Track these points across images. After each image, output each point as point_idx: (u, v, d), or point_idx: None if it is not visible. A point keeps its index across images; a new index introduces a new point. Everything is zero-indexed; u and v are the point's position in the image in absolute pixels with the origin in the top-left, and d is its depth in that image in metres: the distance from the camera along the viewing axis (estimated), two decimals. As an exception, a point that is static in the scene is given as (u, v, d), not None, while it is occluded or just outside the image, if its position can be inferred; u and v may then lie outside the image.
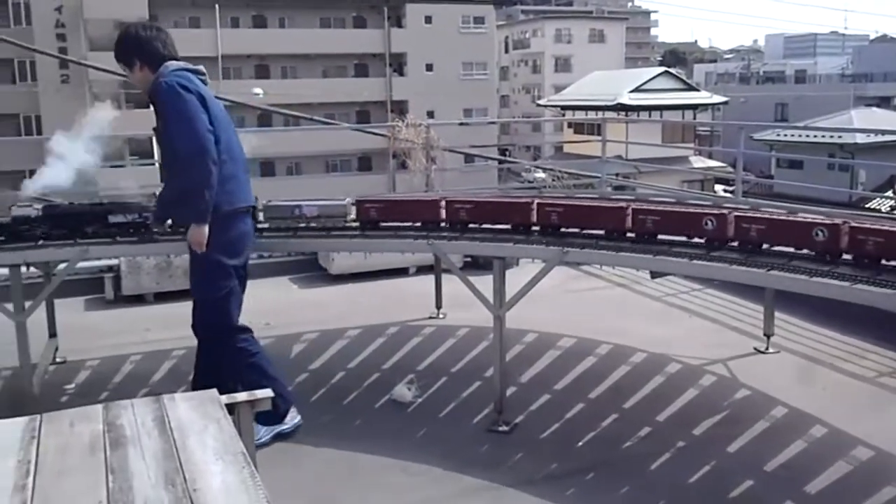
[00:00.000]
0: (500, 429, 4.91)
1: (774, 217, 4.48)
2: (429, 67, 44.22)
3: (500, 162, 31.98)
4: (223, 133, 4.32)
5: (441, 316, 6.99)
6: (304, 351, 6.35)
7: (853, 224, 4.09)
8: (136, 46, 4.43)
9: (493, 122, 43.85)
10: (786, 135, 31.08)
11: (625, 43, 65.31)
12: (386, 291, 7.89)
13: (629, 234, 4.71)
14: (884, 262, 3.95)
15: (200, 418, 2.42)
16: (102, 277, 7.63)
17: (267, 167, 38.30)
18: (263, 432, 4.56)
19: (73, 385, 5.72)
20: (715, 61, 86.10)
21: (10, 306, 4.89)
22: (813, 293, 4.07)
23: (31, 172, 5.04)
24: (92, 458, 2.19)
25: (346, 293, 7.90)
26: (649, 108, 38.11)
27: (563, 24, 62.74)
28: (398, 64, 44.53)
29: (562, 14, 64.60)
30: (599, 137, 9.12)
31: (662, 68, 47.46)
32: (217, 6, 40.38)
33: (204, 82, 4.46)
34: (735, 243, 4.40)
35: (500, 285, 4.82)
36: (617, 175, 12.60)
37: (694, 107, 40.86)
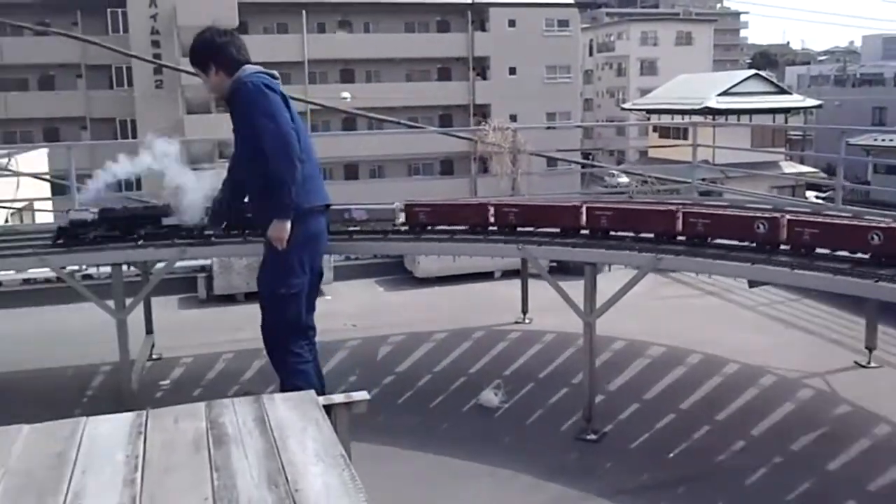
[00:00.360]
0: (589, 437, 4.83)
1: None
2: (512, 71, 44.16)
3: (586, 166, 31.64)
4: (301, 133, 4.40)
5: (527, 321, 6.94)
6: (390, 353, 6.38)
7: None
8: (212, 52, 4.48)
9: (579, 126, 43.41)
10: (884, 139, 29.84)
11: (713, 45, 63.96)
12: (471, 295, 7.88)
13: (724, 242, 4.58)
14: None
15: (299, 419, 2.43)
16: (196, 277, 7.84)
17: (351, 170, 38.93)
18: None
19: (168, 381, 5.88)
20: (808, 63, 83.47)
21: (111, 304, 5.06)
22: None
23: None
24: (196, 455, 2.23)
25: (432, 296, 7.92)
26: (738, 112, 37.19)
27: (649, 26, 61.81)
28: (481, 68, 44.60)
29: (648, 16, 63.63)
30: (686, 142, 8.91)
31: (752, 71, 46.29)
32: (304, 12, 41.18)
33: (278, 85, 4.51)
34: (844, 252, 4.22)
35: (591, 291, 4.74)
36: (704, 180, 12.29)
37: (785, 111, 39.69)
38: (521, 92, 41.84)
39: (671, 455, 4.65)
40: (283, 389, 4.36)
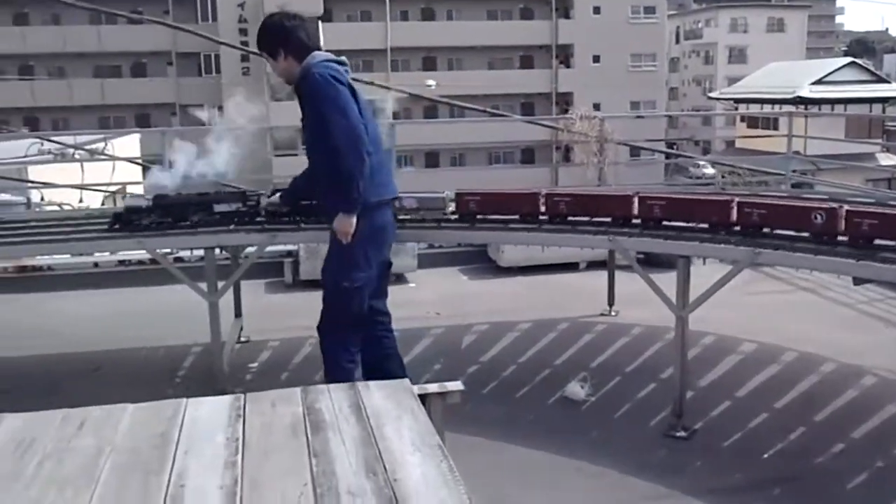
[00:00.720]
0: (679, 434, 4.71)
1: None
2: (596, 59, 43.57)
3: (674, 156, 30.98)
4: (369, 125, 4.32)
5: (613, 313, 6.81)
6: (474, 342, 6.35)
7: None
8: (282, 36, 4.38)
9: (666, 115, 42.55)
10: None
11: (806, 32, 61.72)
12: (556, 286, 7.78)
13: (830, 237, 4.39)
14: None
15: (395, 407, 2.42)
16: (282, 262, 7.96)
17: (431, 158, 39.04)
18: None
19: (256, 364, 5.98)
20: (907, 51, 79.79)
21: (203, 286, 5.17)
22: None
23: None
24: (294, 440, 2.24)
25: (516, 286, 7.86)
26: (832, 102, 35.82)
27: (738, 12, 60.02)
28: (564, 55, 44.13)
29: (738, 2, 61.74)
30: (776, 132, 8.60)
31: (848, 59, 44.42)
32: (387, 0, 41.47)
33: (346, 73, 4.41)
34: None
35: (685, 285, 4.61)
36: (795, 171, 11.87)
37: (883, 100, 38.02)
38: (605, 80, 41.24)
39: (765, 455, 4.50)
40: (327, 380, 4.36)
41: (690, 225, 4.86)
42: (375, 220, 4.37)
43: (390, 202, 4.55)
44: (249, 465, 2.10)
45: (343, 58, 4.43)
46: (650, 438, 4.74)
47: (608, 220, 5.08)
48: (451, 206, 5.38)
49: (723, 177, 18.24)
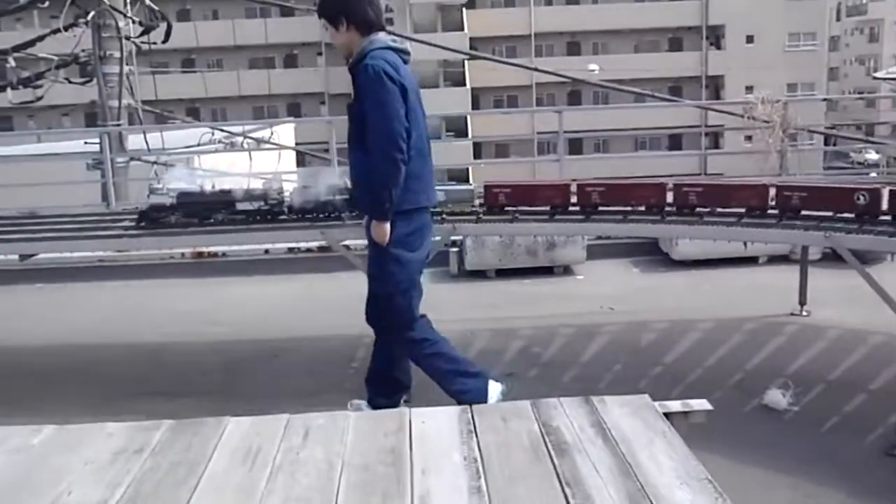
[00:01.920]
0: (902, 454, 4.23)
1: None
2: (749, 39, 41.46)
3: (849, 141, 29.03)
4: (415, 128, 4.03)
5: (804, 313, 6.29)
6: (653, 341, 6.01)
7: None
8: (345, 5, 4.10)
9: (860, 98, 39.89)
10: None
11: (985, 4, 56.54)
12: (734, 282, 7.30)
13: None
14: None
15: (643, 429, 2.18)
16: (447, 251, 7.84)
17: (574, 145, 38.34)
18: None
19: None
20: None
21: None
22: None
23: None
24: (538, 464, 2.04)
25: (690, 281, 7.43)
26: None
27: (908, -15, 55.67)
28: (715, 37, 42.27)
29: (907, -25, 57.21)
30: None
31: None
32: (533, -15, 40.97)
33: (405, 61, 4.11)
34: None
35: (914, 288, 4.13)
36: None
37: None
38: (759, 61, 39.16)
39: None
40: (429, 374, 4.32)
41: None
42: (409, 225, 4.15)
43: (428, 208, 4.32)
44: (496, 492, 1.91)
45: (405, 45, 4.19)
46: (868, 457, 4.28)
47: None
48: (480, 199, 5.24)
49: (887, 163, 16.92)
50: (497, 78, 36.53)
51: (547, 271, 7.70)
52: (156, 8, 8.78)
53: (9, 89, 9.07)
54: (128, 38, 8.66)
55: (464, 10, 40.40)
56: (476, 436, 2.19)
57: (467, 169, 31.04)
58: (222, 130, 10.94)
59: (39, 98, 9.11)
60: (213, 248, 8.00)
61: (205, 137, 10.76)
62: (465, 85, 39.85)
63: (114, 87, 8.63)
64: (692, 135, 35.58)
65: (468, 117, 37.82)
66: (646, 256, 8.04)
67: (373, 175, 4.00)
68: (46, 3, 8.50)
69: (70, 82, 9.18)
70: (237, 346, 6.17)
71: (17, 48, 8.96)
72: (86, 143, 9.55)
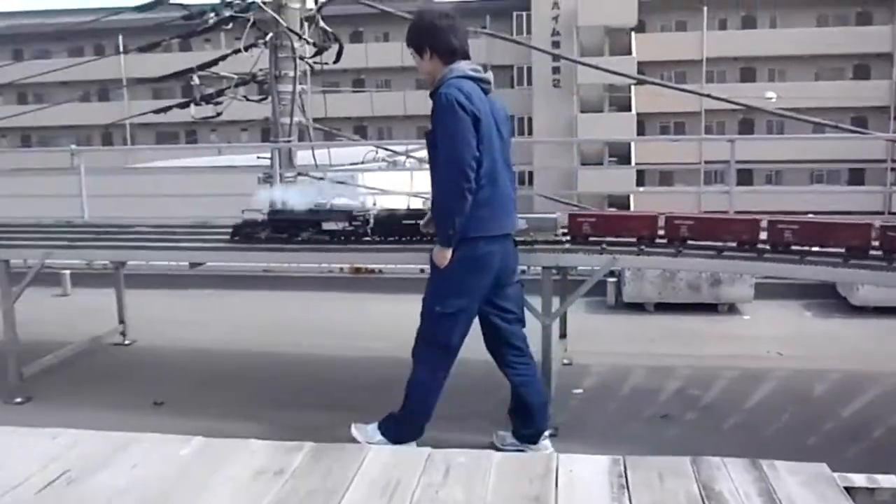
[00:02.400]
0: None
1: None
2: (946, 69, 38.41)
3: None
4: (488, 157, 4.06)
5: None
6: (826, 392, 5.52)
7: None
8: (430, 34, 4.19)
9: None
10: None
11: None
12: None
13: None
14: None
15: (817, 502, 1.93)
16: (605, 282, 7.61)
17: (744, 176, 36.75)
18: (378, 439, 4.39)
19: (580, 390, 5.66)
20: None
21: (538, 306, 4.92)
22: None
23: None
24: (697, 532, 1.84)
25: (872, 329, 6.81)
26: None
27: None
28: (908, 64, 39.44)
29: None
30: None
31: None
32: (705, 8, 39.69)
33: (486, 91, 4.18)
34: None
35: None
36: None
37: None
38: (957, 92, 36.21)
39: None
40: (407, 395, 4.46)
41: None
42: (476, 252, 4.17)
43: (498, 237, 4.26)
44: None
45: (486, 74, 4.23)
46: None
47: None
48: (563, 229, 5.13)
49: None
50: (664, 104, 35.62)
51: (710, 308, 7.31)
52: (329, 30, 9.09)
53: (192, 105, 9.66)
54: (302, 59, 9.01)
55: (632, 33, 39.75)
56: (628, 490, 2.02)
57: (628, 196, 30.47)
58: (385, 149, 11.18)
59: (219, 114, 9.64)
60: (369, 265, 8.13)
61: (369, 155, 11.03)
62: (630, 110, 39.15)
63: (286, 105, 8.99)
64: (876, 170, 33.33)
65: (632, 143, 37.10)
66: (820, 299, 7.48)
67: (438, 200, 4.15)
68: (230, 25, 8.99)
69: (247, 99, 9.66)
70: (388, 364, 6.18)
71: (201, 67, 9.53)
72: (258, 157, 10.02)
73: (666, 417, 5.05)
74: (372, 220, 5.21)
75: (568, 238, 5.11)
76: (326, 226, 5.30)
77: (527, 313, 4.90)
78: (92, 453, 2.21)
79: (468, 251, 4.16)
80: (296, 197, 5.33)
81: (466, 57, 4.22)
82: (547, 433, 4.62)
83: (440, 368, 4.43)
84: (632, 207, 28.69)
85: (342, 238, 5.28)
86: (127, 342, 6.75)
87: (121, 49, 27.34)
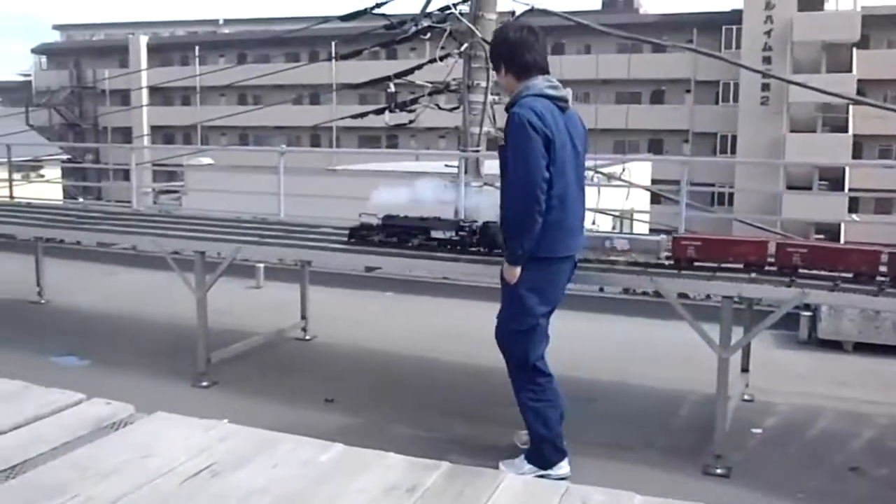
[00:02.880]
0: None
1: None
2: None
3: None
4: (560, 179, 4.07)
5: None
6: None
7: None
8: (504, 49, 4.27)
9: None
10: None
11: None
12: None
13: None
14: None
15: None
16: (798, 315, 7.06)
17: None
18: (527, 468, 4.33)
19: (760, 429, 5.26)
20: None
21: (715, 336, 4.63)
22: None
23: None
24: None
25: None
26: None
27: None
28: None
29: None
30: None
31: None
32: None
33: (563, 109, 4.16)
34: None
35: None
36: None
37: None
38: None
39: None
40: (524, 419, 4.44)
41: None
42: (546, 270, 4.25)
43: (566, 257, 4.33)
44: None
45: (563, 92, 4.18)
46: None
47: None
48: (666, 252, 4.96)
49: None
50: (887, 126, 32.82)
51: (919, 353, 6.61)
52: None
53: (387, 112, 9.98)
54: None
55: (854, 49, 37.01)
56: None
57: (838, 225, 28.25)
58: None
59: (412, 121, 9.89)
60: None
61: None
62: (846, 131, 36.44)
63: (476, 115, 9.08)
64: None
65: (846, 168, 34.49)
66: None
67: (507, 220, 4.20)
68: (429, 35, 9.20)
69: (439, 108, 9.85)
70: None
71: (398, 75, 9.83)
72: (446, 165, 10.18)
73: (855, 471, 4.59)
74: (478, 231, 5.31)
75: (671, 262, 4.91)
76: (435, 234, 5.45)
77: (699, 342, 4.63)
78: (239, 449, 2.26)
79: (538, 270, 4.23)
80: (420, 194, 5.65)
81: (544, 72, 4.21)
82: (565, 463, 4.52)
83: (537, 385, 4.42)
84: (842, 237, 26.65)
85: (448, 247, 5.41)
86: (307, 337, 7.04)
87: (332, 55, 28.82)
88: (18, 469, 2.12)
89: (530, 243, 4.11)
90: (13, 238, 9.84)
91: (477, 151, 9.30)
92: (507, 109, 4.24)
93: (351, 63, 29.45)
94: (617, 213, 10.89)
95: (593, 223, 10.26)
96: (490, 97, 9.11)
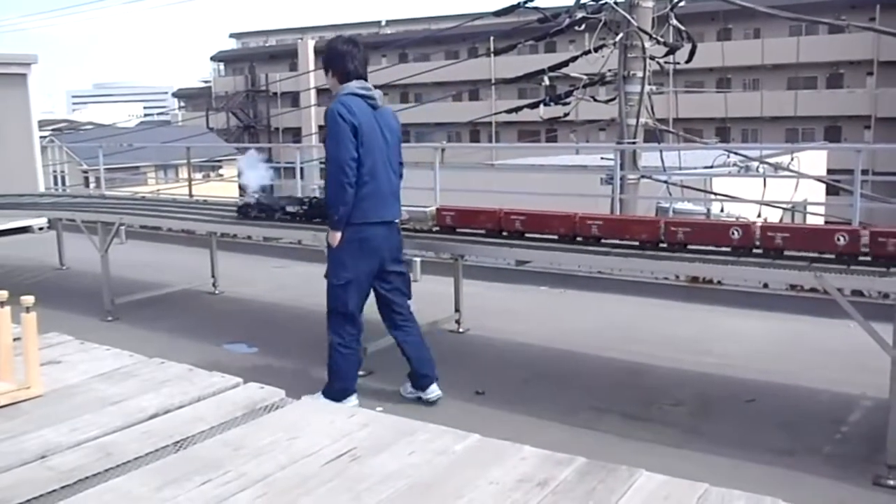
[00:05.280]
0: None
1: None
2: None
3: None
4: (368, 158, 5.02)
5: None
6: None
7: None
8: (332, 58, 5.19)
9: None
10: None
11: None
12: None
13: None
14: None
15: None
16: None
17: None
18: (323, 401, 4.63)
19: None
20: None
21: (888, 337, 4.31)
22: None
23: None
24: None
25: None
26: None
27: None
28: None
29: None
30: None
31: None
32: None
33: (373, 106, 5.11)
34: None
35: None
36: None
37: None
38: None
39: None
40: (329, 360, 5.33)
41: None
42: (358, 235, 5.13)
43: (379, 223, 5.20)
44: None
45: (373, 92, 5.13)
46: None
47: None
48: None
49: None
50: None
51: None
52: (682, 28, 8.79)
53: (542, 105, 9.94)
54: (652, 59, 8.82)
55: None
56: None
57: None
58: (737, 153, 10.56)
59: (566, 114, 9.80)
60: (708, 276, 7.74)
61: (720, 159, 10.50)
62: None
63: (633, 106, 8.88)
64: None
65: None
66: None
67: (328, 194, 5.14)
68: (583, 27, 9.08)
69: (594, 100, 9.70)
70: (713, 380, 5.87)
71: (552, 68, 9.76)
72: (602, 158, 10.02)
73: None
74: (309, 205, 6.64)
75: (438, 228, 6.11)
76: (290, 209, 6.80)
77: (871, 343, 4.33)
78: (379, 435, 2.35)
79: (354, 234, 5.12)
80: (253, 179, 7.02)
81: (361, 77, 5.16)
82: (435, 383, 5.48)
83: (347, 333, 5.27)
84: None
85: (298, 218, 6.70)
86: (461, 330, 7.15)
87: (490, 51, 29.01)
88: (182, 444, 2.30)
89: (346, 210, 5.03)
90: (192, 233, 10.59)
91: (634, 143, 9.10)
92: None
93: (510, 58, 29.53)
94: (787, 206, 10.33)
95: (758, 216, 9.79)
96: (647, 87, 8.89)
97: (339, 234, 5.12)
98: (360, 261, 5.18)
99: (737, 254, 4.89)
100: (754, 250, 4.86)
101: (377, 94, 5.21)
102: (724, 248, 4.96)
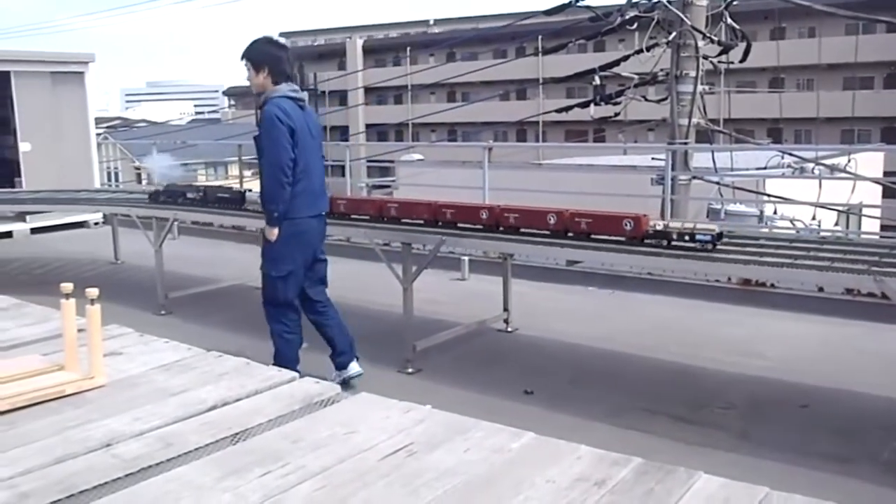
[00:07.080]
0: None
1: None
2: None
3: None
4: (302, 157, 5.32)
5: None
6: None
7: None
8: (272, 59, 5.40)
9: None
10: None
11: None
12: None
13: None
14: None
15: None
16: None
17: None
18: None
19: None
20: None
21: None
22: None
23: None
24: None
25: None
26: None
27: None
28: None
29: None
30: None
31: None
32: None
33: (302, 107, 5.41)
34: None
35: None
36: None
37: None
38: None
39: None
40: (274, 347, 5.61)
41: None
42: (296, 228, 5.43)
43: (313, 216, 5.53)
44: None
45: (302, 94, 5.50)
46: None
47: None
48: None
49: None
50: None
51: None
52: (737, 27, 8.66)
53: (592, 105, 9.86)
54: (705, 58, 8.71)
55: None
56: None
57: None
58: (792, 154, 10.37)
59: (617, 114, 9.72)
60: (762, 279, 7.61)
61: (773, 160, 10.32)
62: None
63: (685, 106, 8.77)
64: None
65: None
66: None
67: (265, 192, 5.40)
68: (635, 25, 8.99)
69: (645, 100, 9.60)
70: (766, 384, 5.77)
71: (602, 67, 9.68)
72: (653, 158, 9.91)
73: None
74: (203, 192, 8.08)
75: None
76: (189, 195, 8.10)
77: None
78: (434, 431, 2.36)
79: (292, 228, 5.40)
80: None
81: (290, 79, 5.48)
82: (355, 361, 5.81)
83: (290, 320, 5.58)
84: None
85: (197, 202, 8.06)
86: (509, 329, 7.14)
87: (539, 50, 28.88)
88: (240, 436, 2.34)
89: (284, 207, 5.30)
90: (243, 229, 10.74)
91: (685, 144, 8.98)
92: (259, 107, 5.47)
93: (558, 57, 29.36)
94: (842, 208, 10.12)
95: (813, 218, 9.60)
96: (700, 87, 8.77)
97: (276, 230, 5.42)
98: (297, 253, 5.53)
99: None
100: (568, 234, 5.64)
101: (304, 95, 5.64)
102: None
